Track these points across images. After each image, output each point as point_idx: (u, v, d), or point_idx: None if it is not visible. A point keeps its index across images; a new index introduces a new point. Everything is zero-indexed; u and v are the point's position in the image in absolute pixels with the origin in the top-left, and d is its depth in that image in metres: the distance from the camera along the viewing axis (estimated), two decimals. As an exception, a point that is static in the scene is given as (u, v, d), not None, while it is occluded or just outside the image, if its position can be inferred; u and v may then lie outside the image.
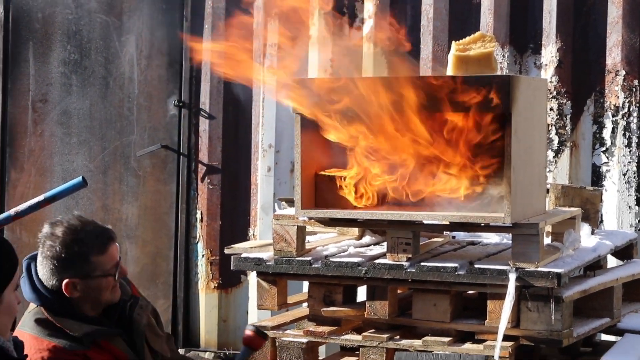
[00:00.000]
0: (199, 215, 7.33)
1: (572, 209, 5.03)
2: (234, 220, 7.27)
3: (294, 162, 4.93)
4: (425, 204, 4.60)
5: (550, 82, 6.31)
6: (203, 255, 7.33)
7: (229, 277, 7.22)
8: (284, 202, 5.56)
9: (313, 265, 4.70)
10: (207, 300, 7.28)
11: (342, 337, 4.73)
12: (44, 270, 3.66)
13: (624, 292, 5.01)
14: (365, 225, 4.92)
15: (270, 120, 7.03)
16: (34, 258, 3.72)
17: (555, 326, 4.40)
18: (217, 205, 7.29)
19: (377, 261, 4.63)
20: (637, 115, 6.25)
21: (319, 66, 6.73)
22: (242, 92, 7.02)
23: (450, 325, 4.57)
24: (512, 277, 4.37)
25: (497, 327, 4.38)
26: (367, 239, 5.17)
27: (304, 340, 4.70)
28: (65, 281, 3.63)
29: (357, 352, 4.72)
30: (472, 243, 5.21)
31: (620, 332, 4.92)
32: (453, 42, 4.74)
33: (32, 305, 3.72)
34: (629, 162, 6.25)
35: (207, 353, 7.10)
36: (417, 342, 4.54)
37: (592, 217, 5.24)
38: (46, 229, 3.67)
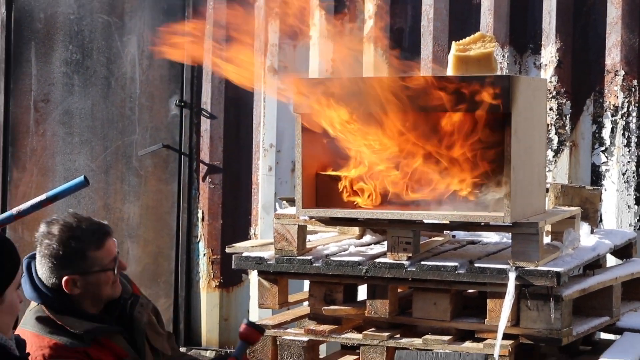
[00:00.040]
0: (200, 215, 7.33)
1: (572, 208, 5.03)
2: (235, 220, 7.27)
3: (295, 161, 4.93)
4: (426, 203, 4.60)
5: (550, 82, 6.30)
6: (204, 255, 7.32)
7: (230, 276, 7.22)
8: (285, 202, 5.57)
9: (314, 264, 4.71)
10: (208, 299, 7.28)
11: (343, 336, 4.73)
12: (43, 269, 3.67)
13: (623, 291, 5.01)
14: (366, 225, 4.93)
15: (271, 119, 7.02)
16: (34, 257, 3.73)
17: (554, 325, 4.40)
18: (218, 205, 7.29)
19: (377, 260, 4.63)
20: (636, 115, 6.25)
21: (319, 66, 6.74)
22: (243, 92, 7.03)
23: (451, 324, 4.58)
24: (512, 276, 4.38)
25: (497, 325, 4.39)
26: (367, 238, 5.17)
27: (305, 338, 4.70)
28: (64, 278, 3.64)
29: (358, 351, 4.72)
30: (472, 242, 5.21)
31: (619, 331, 4.92)
32: (453, 42, 4.75)
33: (33, 304, 3.73)
34: (628, 161, 6.24)
35: (209, 352, 7.11)
36: (417, 341, 4.55)
37: (592, 216, 5.24)
38: (43, 228, 3.68)
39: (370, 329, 4.69)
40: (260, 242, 5.53)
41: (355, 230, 5.21)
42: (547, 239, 4.81)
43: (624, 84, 6.24)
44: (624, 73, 6.24)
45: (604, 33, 6.30)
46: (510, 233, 4.55)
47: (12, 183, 7.72)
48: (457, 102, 4.42)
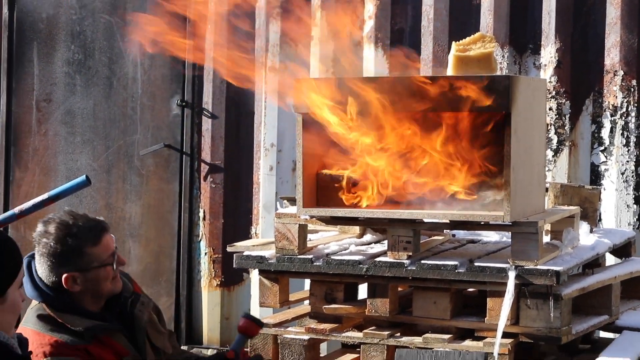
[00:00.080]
0: (201, 214, 7.33)
1: (571, 207, 5.04)
2: (236, 219, 7.27)
3: (295, 161, 4.93)
4: (426, 202, 4.61)
5: (550, 82, 6.29)
6: (206, 254, 7.32)
7: (231, 275, 7.21)
8: (285, 201, 5.58)
9: (314, 263, 4.72)
10: (209, 298, 7.28)
11: (343, 335, 4.73)
12: (42, 268, 3.68)
13: (622, 290, 5.01)
14: (367, 224, 4.94)
15: (272, 119, 7.02)
16: (34, 256, 3.73)
17: (554, 323, 4.41)
18: (219, 204, 7.28)
19: (378, 259, 4.64)
20: (635, 115, 6.25)
21: (320, 66, 6.74)
22: (245, 91, 7.03)
23: (451, 323, 4.58)
24: (512, 275, 4.38)
25: (496, 324, 4.39)
26: (368, 237, 5.17)
27: (306, 337, 4.71)
28: (64, 276, 3.65)
29: (358, 350, 4.73)
30: (472, 241, 5.22)
31: (618, 330, 4.93)
32: (453, 42, 4.76)
33: (35, 302, 3.73)
34: (627, 161, 6.25)
35: (210, 350, 7.11)
36: (417, 340, 4.55)
37: (591, 215, 5.25)
38: (40, 227, 3.70)
39: (370, 328, 4.70)
40: (261, 241, 5.54)
41: (356, 229, 5.21)
42: (546, 238, 4.81)
43: (623, 84, 6.24)
44: (623, 73, 6.24)
45: (603, 33, 6.30)
46: (510, 232, 4.55)
47: (15, 182, 7.73)
48: (457, 102, 4.42)
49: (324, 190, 4.76)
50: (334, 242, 5.03)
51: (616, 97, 6.25)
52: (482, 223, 4.55)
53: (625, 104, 6.24)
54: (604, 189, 6.25)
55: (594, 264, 4.97)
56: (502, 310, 4.38)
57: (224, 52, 6.82)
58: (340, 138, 4.68)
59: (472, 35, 4.75)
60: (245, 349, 3.95)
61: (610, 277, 4.86)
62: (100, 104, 7.54)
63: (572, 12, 6.39)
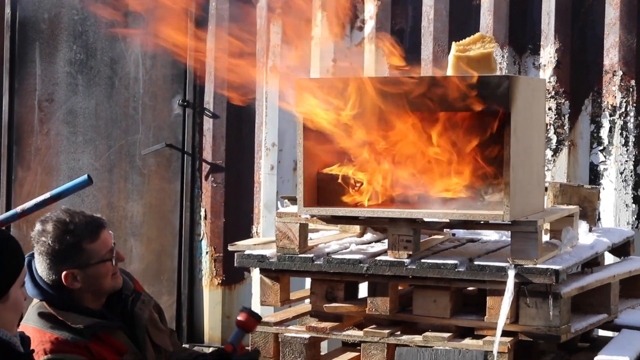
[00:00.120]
0: (202, 213, 7.34)
1: (570, 206, 5.04)
2: (237, 218, 7.28)
3: (296, 160, 4.94)
4: (426, 202, 4.62)
5: (549, 82, 6.30)
6: (207, 253, 7.33)
7: (232, 274, 7.22)
8: (286, 200, 5.58)
9: (315, 262, 4.72)
10: (211, 297, 7.29)
11: (344, 333, 4.75)
12: (42, 267, 3.68)
13: (621, 289, 5.02)
14: (367, 223, 4.94)
15: (273, 119, 7.03)
16: (34, 255, 3.74)
17: (553, 322, 4.41)
18: (220, 203, 7.29)
19: (378, 258, 4.65)
20: (634, 115, 6.26)
21: (321, 66, 6.75)
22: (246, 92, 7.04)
23: (450, 321, 4.59)
24: (511, 273, 4.39)
25: (496, 322, 4.40)
26: (368, 236, 5.18)
27: (307, 335, 4.72)
28: (63, 273, 3.65)
29: (359, 348, 4.74)
30: (472, 240, 5.22)
31: (617, 328, 4.94)
32: (453, 42, 4.77)
33: (36, 300, 3.73)
34: (626, 160, 6.26)
35: (211, 348, 7.12)
36: (417, 338, 4.56)
37: (590, 214, 5.24)
38: (37, 227, 3.70)
39: (371, 326, 4.70)
40: (262, 240, 5.52)
41: (356, 228, 5.22)
42: (546, 237, 4.81)
43: (622, 84, 6.25)
44: (622, 73, 6.24)
45: (602, 34, 6.31)
46: (509, 231, 4.56)
47: (17, 182, 7.74)
48: (457, 102, 4.42)
49: (324, 190, 4.77)
50: (335, 241, 5.04)
51: (615, 97, 6.26)
52: (482, 222, 4.55)
53: (624, 104, 6.26)
54: (603, 189, 6.26)
55: (593, 262, 4.97)
56: (501, 308, 4.39)
57: (226, 52, 6.84)
58: (340, 138, 4.69)
59: (472, 36, 4.76)
60: (247, 347, 3.95)
61: (609, 276, 4.86)
62: (102, 104, 7.55)
63: (571, 12, 6.39)
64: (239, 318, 3.84)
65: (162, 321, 3.97)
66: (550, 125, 6.32)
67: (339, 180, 4.75)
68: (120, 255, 3.78)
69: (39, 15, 7.66)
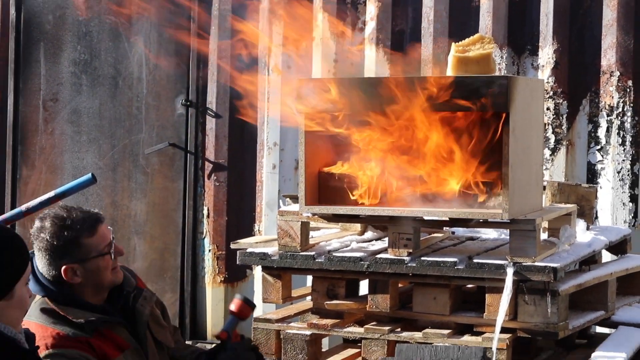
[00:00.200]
0: (205, 212, 7.34)
1: (568, 205, 5.05)
2: (239, 217, 7.28)
3: (298, 159, 4.94)
4: (426, 200, 4.62)
5: (547, 82, 6.30)
6: (209, 250, 7.34)
7: (234, 272, 7.22)
8: (288, 199, 5.58)
9: (317, 260, 4.73)
10: (213, 294, 7.30)
11: (345, 330, 4.75)
12: (42, 263, 3.68)
13: (618, 286, 5.03)
14: (368, 221, 4.96)
15: (275, 119, 7.07)
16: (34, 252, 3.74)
17: (551, 319, 4.42)
18: (223, 202, 7.29)
19: (378, 256, 4.66)
20: (630, 115, 6.27)
21: (322, 67, 6.77)
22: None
23: (450, 318, 4.60)
24: (510, 271, 4.40)
25: (495, 319, 4.41)
26: (369, 234, 5.19)
27: (308, 332, 4.72)
28: (63, 268, 3.64)
29: (359, 344, 4.75)
30: (471, 238, 5.22)
31: (614, 325, 4.95)
32: (453, 43, 4.78)
33: (38, 296, 3.72)
34: (623, 160, 6.27)
35: (214, 345, 7.14)
36: (417, 335, 4.57)
37: (587, 213, 5.24)
38: (36, 224, 3.69)
39: (371, 323, 4.71)
40: (264, 238, 5.53)
41: (357, 226, 5.22)
42: (544, 236, 4.81)
43: (619, 84, 6.26)
44: (619, 74, 6.25)
45: (599, 35, 6.32)
46: (508, 230, 4.57)
47: (22, 180, 7.75)
48: (456, 102, 4.44)
49: (325, 188, 4.78)
50: (336, 239, 5.05)
51: (612, 97, 6.27)
52: (481, 220, 4.56)
53: (621, 104, 6.27)
54: (601, 187, 6.27)
55: (591, 260, 4.98)
56: (500, 305, 4.39)
57: (228, 52, 6.87)
58: (341, 137, 4.70)
59: (472, 37, 4.77)
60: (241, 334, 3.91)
61: (606, 273, 4.87)
62: (106, 104, 7.56)
63: (569, 14, 6.39)
64: (232, 306, 3.81)
65: (164, 318, 3.96)
66: (548, 125, 6.33)
67: (340, 179, 4.75)
68: (119, 248, 3.77)
69: (43, 16, 7.66)
